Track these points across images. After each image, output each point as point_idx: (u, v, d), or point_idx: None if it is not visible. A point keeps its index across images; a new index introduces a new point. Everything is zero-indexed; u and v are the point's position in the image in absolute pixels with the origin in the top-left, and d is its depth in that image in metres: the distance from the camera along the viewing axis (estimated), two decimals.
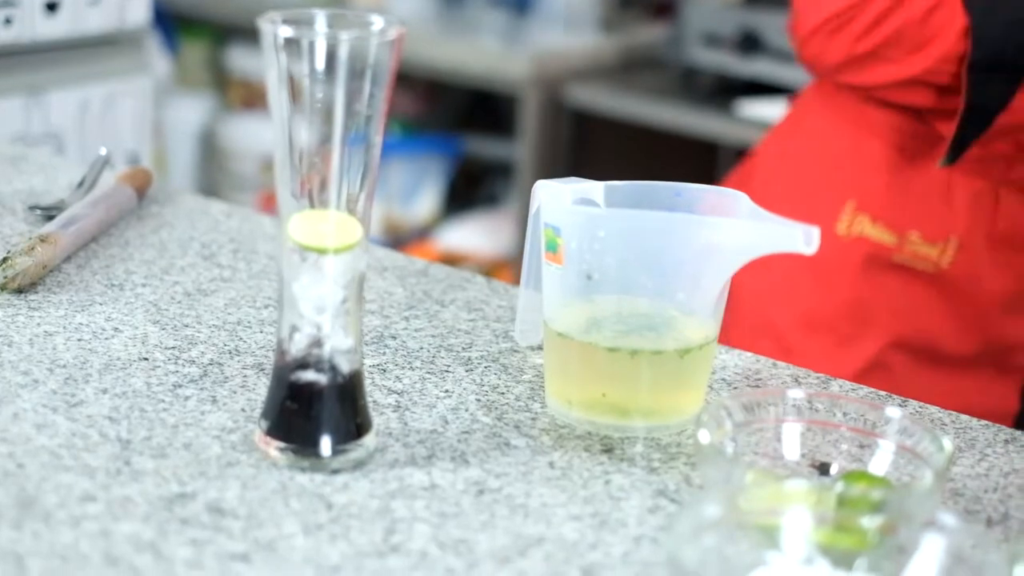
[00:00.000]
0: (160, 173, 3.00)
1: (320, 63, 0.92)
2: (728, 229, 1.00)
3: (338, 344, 0.97)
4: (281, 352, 0.98)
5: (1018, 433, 1.09)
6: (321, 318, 0.96)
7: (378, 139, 0.96)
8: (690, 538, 0.81)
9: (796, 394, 0.99)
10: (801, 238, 0.96)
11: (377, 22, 0.95)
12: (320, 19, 0.95)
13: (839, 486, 0.90)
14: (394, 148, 3.04)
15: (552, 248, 1.04)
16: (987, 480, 1.02)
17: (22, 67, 2.38)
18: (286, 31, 0.92)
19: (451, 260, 3.08)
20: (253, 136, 3.23)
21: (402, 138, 3.16)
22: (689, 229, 1.01)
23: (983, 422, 1.11)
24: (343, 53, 0.92)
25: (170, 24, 3.25)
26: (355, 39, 0.92)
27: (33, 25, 2.34)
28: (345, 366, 0.97)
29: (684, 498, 0.97)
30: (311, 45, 0.91)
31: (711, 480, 0.92)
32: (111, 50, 2.49)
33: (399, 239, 3.18)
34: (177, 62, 3.29)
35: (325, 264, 0.96)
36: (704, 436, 0.92)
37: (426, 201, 3.24)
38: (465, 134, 3.33)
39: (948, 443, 0.92)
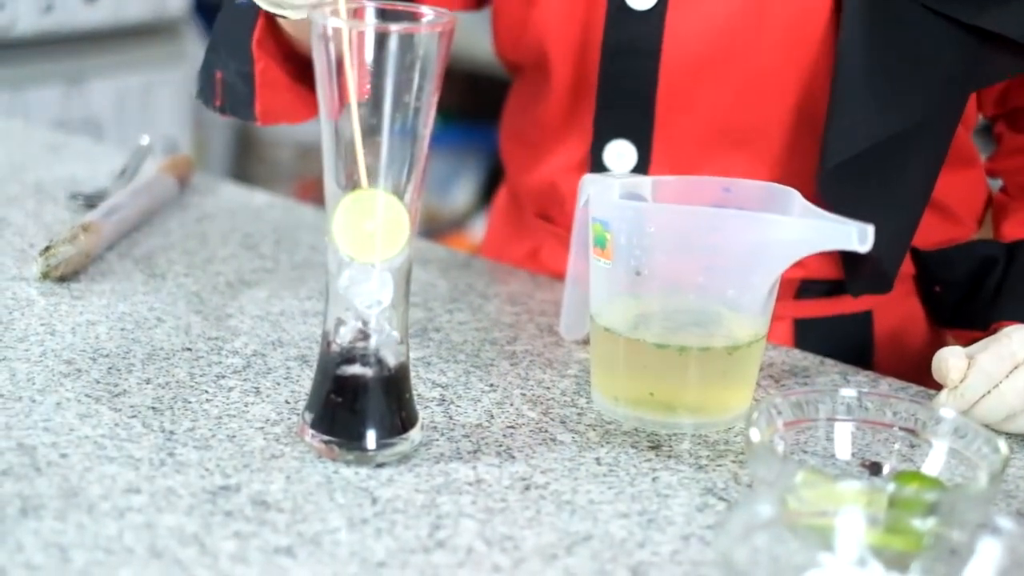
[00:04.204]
0: (200, 162, 3.00)
1: (369, 55, 0.91)
2: (780, 226, 0.99)
3: (384, 338, 0.96)
4: (326, 344, 0.97)
5: None
6: (367, 312, 0.95)
7: (426, 132, 0.95)
8: (741, 538, 0.80)
9: (847, 392, 0.97)
10: (856, 235, 0.95)
11: (427, 14, 0.94)
12: (370, 10, 0.94)
13: (891, 487, 0.89)
14: (433, 138, 3.03)
15: (601, 243, 1.03)
16: None
17: (62, 55, 2.38)
18: (335, 22, 0.91)
19: None
20: (290, 125, 3.22)
21: (440, 129, 3.15)
22: (740, 225, 0.99)
23: None
24: (392, 45, 0.91)
25: (211, 12, 3.25)
26: (404, 31, 0.91)
27: (73, 13, 2.34)
28: (391, 359, 0.97)
29: (733, 496, 0.96)
30: (360, 36, 0.90)
31: (761, 478, 0.91)
32: (150, 38, 2.49)
33: (435, 230, 3.17)
34: None
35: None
36: (755, 434, 0.91)
37: (463, 192, 3.23)
38: None
39: (1004, 445, 0.91)
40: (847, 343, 1.30)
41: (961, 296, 1.29)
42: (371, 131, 0.93)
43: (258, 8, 1.15)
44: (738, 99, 1.21)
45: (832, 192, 1.17)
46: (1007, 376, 1.05)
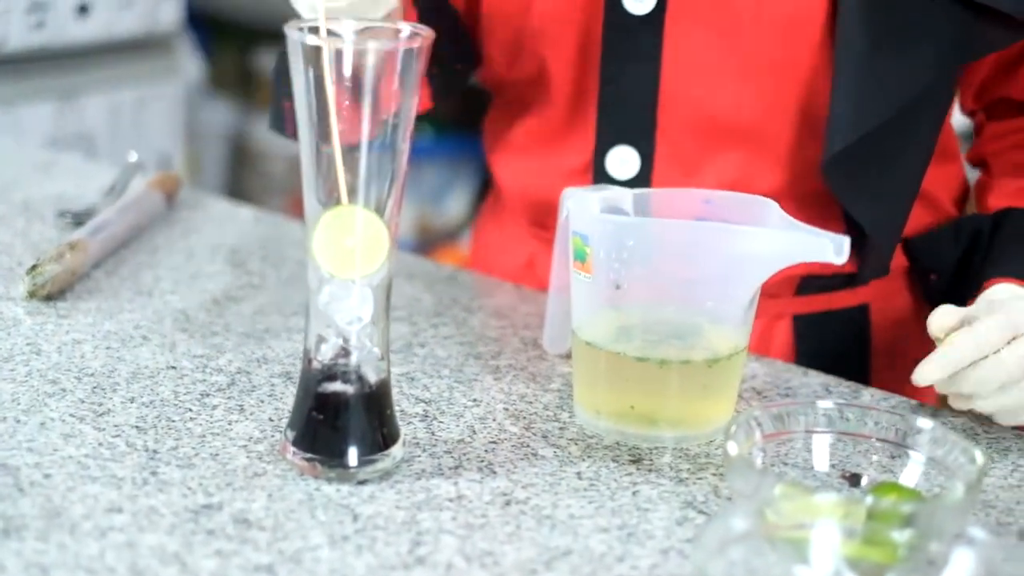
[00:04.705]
0: (193, 176, 3.00)
1: (347, 71, 0.91)
2: (758, 238, 0.99)
3: (365, 354, 0.97)
4: (308, 362, 0.97)
5: None
6: (348, 328, 0.96)
7: (405, 146, 0.96)
8: (717, 551, 0.81)
9: (826, 404, 0.98)
10: (831, 247, 0.95)
11: (404, 30, 0.95)
12: (347, 27, 0.94)
13: (869, 499, 0.89)
14: (426, 150, 3.04)
15: (580, 257, 1.03)
16: (1020, 491, 1.01)
17: (54, 70, 2.39)
18: (312, 39, 0.91)
19: None
20: (283, 139, 3.22)
21: (434, 140, 3.15)
22: (719, 238, 1.00)
23: (1016, 431, 1.10)
24: (370, 61, 0.91)
25: (204, 27, 3.26)
26: (381, 47, 0.92)
27: (65, 29, 2.35)
28: (372, 376, 0.97)
29: (713, 509, 0.96)
30: (338, 53, 0.91)
31: (740, 492, 0.91)
32: (143, 53, 2.50)
33: (430, 241, 3.17)
34: (211, 65, 3.29)
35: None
36: (732, 447, 0.91)
37: (456, 204, 3.23)
38: None
39: (980, 455, 0.91)
40: (845, 336, 1.32)
41: (953, 276, 1.30)
42: (350, 147, 0.94)
43: None
44: (739, 100, 1.22)
45: (837, 182, 1.20)
46: (1008, 344, 1.05)
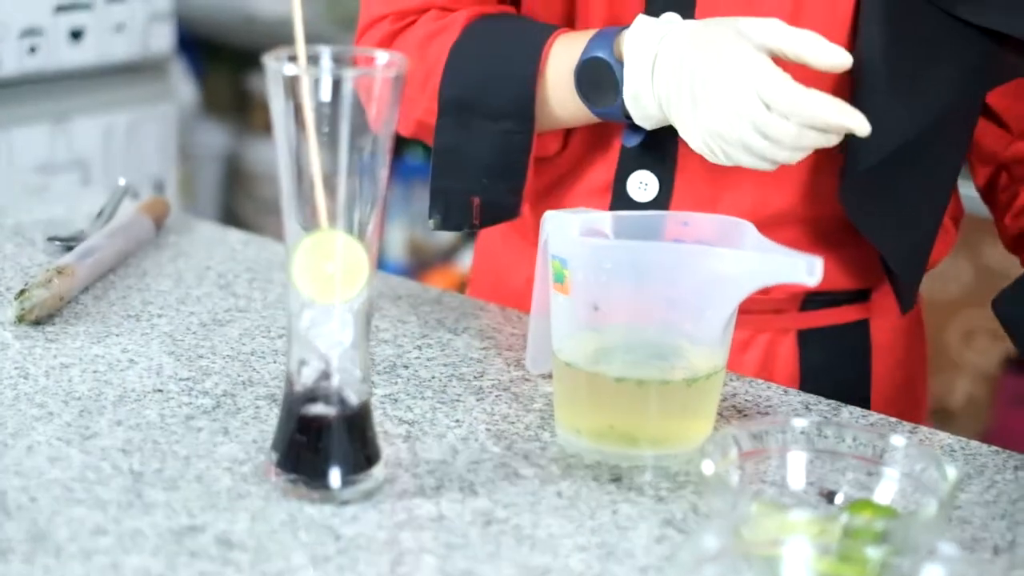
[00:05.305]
0: (186, 198, 3.02)
1: (325, 100, 0.93)
2: (733, 260, 1.01)
3: (347, 377, 0.98)
4: (290, 385, 0.99)
5: None
6: (329, 352, 0.97)
7: (384, 172, 0.97)
8: (691, 569, 0.82)
9: (802, 422, 0.99)
10: (804, 269, 0.97)
11: (381, 58, 0.96)
12: (325, 56, 0.96)
13: (843, 516, 0.90)
14: (419, 170, 3.05)
15: (559, 279, 1.05)
16: (995, 507, 1.02)
17: (47, 95, 2.40)
18: (291, 69, 0.93)
19: None
20: (276, 160, 3.24)
21: (426, 160, 3.17)
22: (694, 260, 1.01)
23: (993, 448, 1.11)
24: (347, 90, 0.93)
25: (196, 50, 3.28)
26: (359, 76, 0.93)
27: (58, 53, 2.36)
28: (354, 398, 0.98)
29: (692, 527, 0.97)
30: (316, 83, 0.92)
31: (717, 510, 0.93)
32: (135, 77, 2.51)
33: (423, 262, 3.18)
34: (203, 87, 3.31)
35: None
36: (708, 466, 0.92)
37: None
38: None
39: (952, 471, 0.93)
40: (847, 350, 1.35)
41: None
42: (329, 173, 0.95)
43: (531, 131, 1.23)
44: None
45: (855, 207, 1.22)
46: None
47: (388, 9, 1.31)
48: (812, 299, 1.31)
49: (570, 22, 1.28)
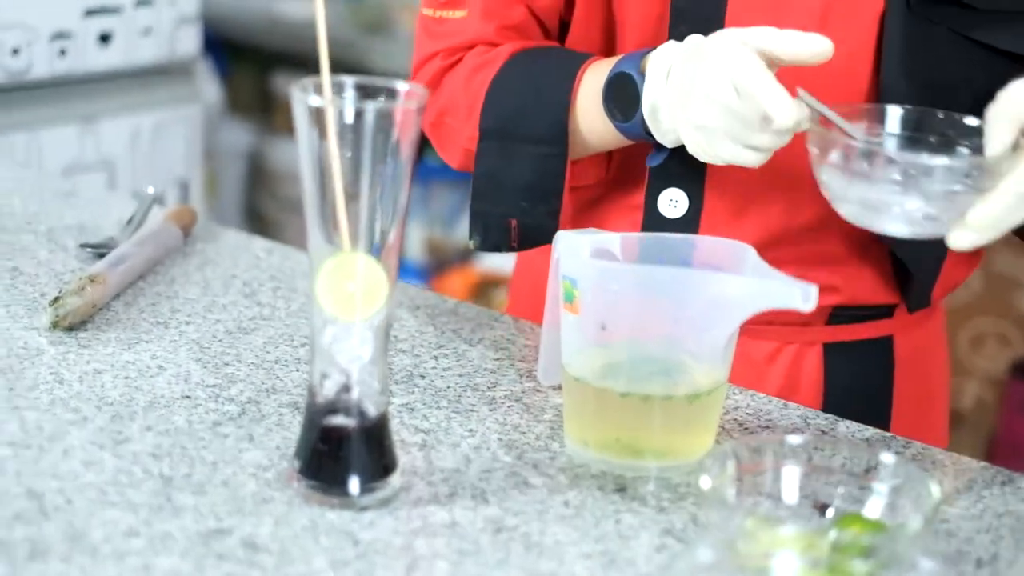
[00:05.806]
0: (211, 198, 3.07)
1: (348, 128, 0.98)
2: (732, 284, 1.06)
3: (366, 389, 1.03)
4: (312, 396, 1.04)
5: (1015, 475, 1.14)
6: (349, 366, 1.03)
7: (404, 195, 1.02)
8: None
9: (796, 439, 1.04)
10: (799, 296, 1.02)
11: (402, 88, 1.01)
12: (349, 86, 1.01)
13: (833, 531, 0.95)
14: (436, 172, 3.11)
15: (569, 299, 1.10)
16: (981, 521, 1.07)
17: (76, 97, 2.46)
18: (315, 100, 0.98)
19: (492, 283, 3.14)
20: (300, 175, 3.29)
21: (444, 162, 3.21)
22: (696, 283, 1.07)
23: (983, 464, 1.16)
24: (369, 121, 0.98)
25: (221, 50, 3.33)
26: (381, 107, 0.99)
27: (87, 56, 2.42)
28: (372, 410, 1.04)
29: (690, 537, 1.03)
30: (340, 114, 0.98)
31: (713, 523, 0.98)
32: (162, 79, 2.57)
33: (441, 262, 3.24)
34: (227, 87, 3.36)
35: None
36: (706, 482, 0.97)
37: (467, 226, 3.30)
38: None
39: (936, 489, 0.98)
40: (871, 364, 1.40)
41: None
42: (352, 198, 1.01)
43: (566, 155, 1.29)
44: (786, 147, 1.28)
45: None
46: None
47: (439, 47, 1.38)
48: (838, 313, 1.37)
49: (609, 56, 1.33)
